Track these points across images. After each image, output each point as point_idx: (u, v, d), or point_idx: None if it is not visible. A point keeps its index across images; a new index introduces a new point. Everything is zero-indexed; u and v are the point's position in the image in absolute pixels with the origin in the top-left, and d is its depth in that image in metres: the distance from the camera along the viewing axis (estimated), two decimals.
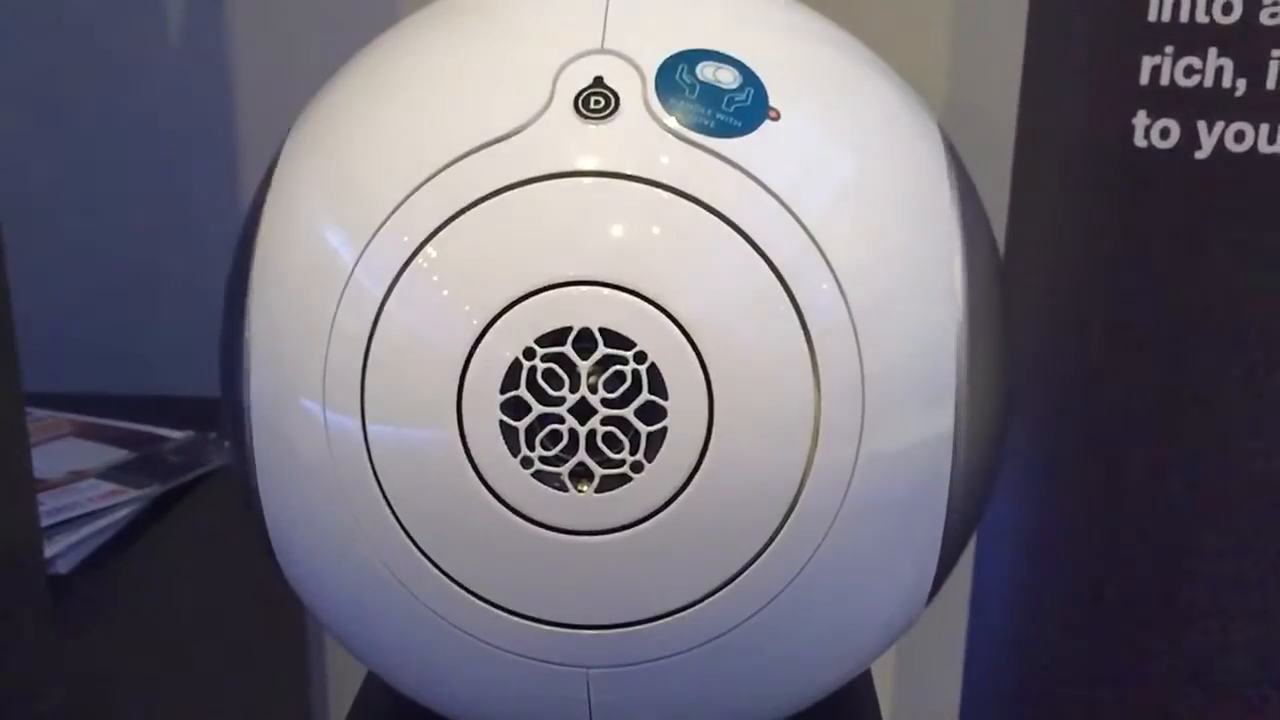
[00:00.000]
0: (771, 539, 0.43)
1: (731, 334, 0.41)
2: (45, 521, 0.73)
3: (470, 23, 0.49)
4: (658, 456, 0.41)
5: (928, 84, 0.93)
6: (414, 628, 0.46)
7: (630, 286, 0.41)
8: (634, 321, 0.41)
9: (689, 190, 0.42)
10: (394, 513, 0.43)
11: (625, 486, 0.41)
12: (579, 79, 0.44)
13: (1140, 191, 0.68)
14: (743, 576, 0.43)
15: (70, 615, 0.71)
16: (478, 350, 0.41)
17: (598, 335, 0.41)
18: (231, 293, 0.48)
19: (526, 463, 0.41)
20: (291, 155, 0.48)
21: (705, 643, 0.44)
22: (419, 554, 0.44)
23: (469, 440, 0.42)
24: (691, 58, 0.44)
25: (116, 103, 1.07)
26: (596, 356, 0.41)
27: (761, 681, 0.48)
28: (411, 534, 0.44)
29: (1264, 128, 0.64)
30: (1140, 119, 0.67)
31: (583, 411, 0.41)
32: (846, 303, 0.43)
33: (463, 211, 0.42)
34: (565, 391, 0.41)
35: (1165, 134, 0.66)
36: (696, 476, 0.41)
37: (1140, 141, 0.67)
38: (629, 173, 0.42)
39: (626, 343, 0.41)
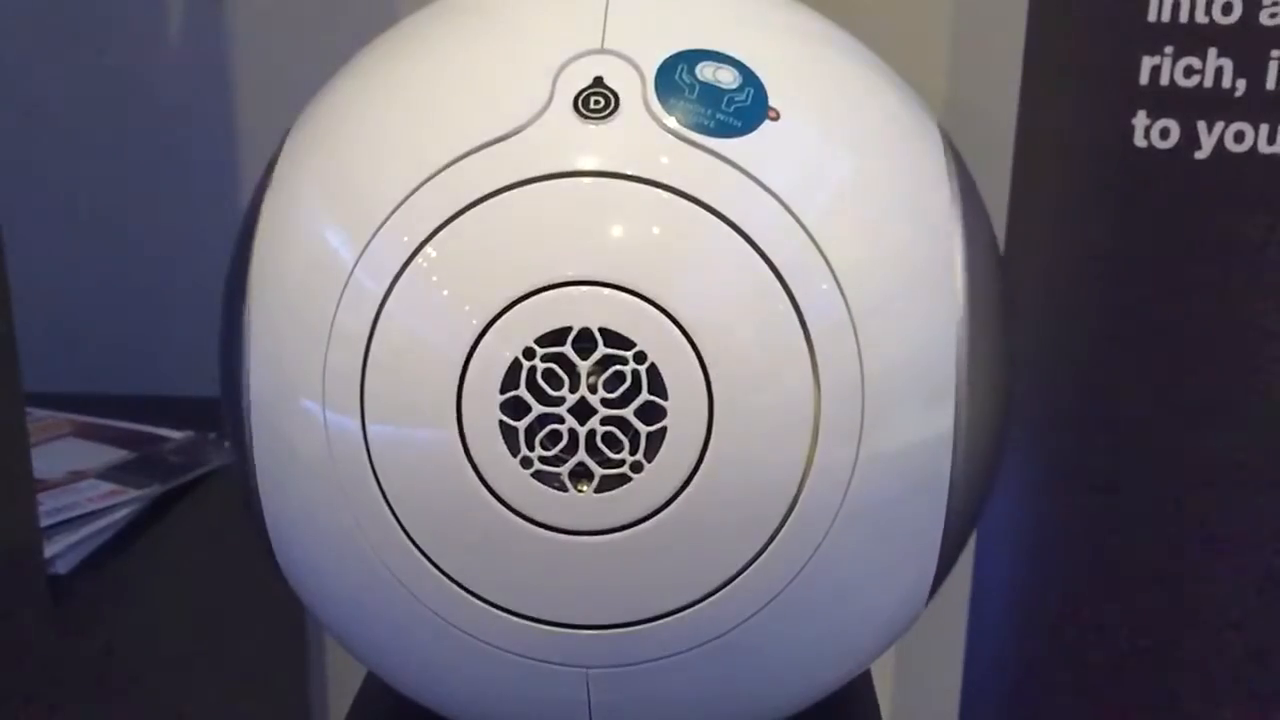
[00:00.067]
0: (771, 539, 0.43)
1: (731, 334, 0.41)
2: (45, 521, 0.73)
3: (470, 23, 0.49)
4: (657, 456, 0.41)
5: (928, 84, 0.93)
6: (414, 628, 0.46)
7: (630, 286, 0.41)
8: (634, 321, 0.41)
9: (689, 190, 0.42)
10: (394, 513, 0.43)
11: (625, 486, 0.41)
12: (579, 79, 0.44)
13: (1140, 191, 0.68)
14: (743, 576, 0.43)
15: (70, 615, 0.71)
16: (477, 350, 0.41)
17: (597, 335, 0.41)
18: (230, 292, 0.48)
19: (526, 463, 0.41)
20: (291, 155, 0.48)
21: (705, 643, 0.44)
22: (419, 554, 0.44)
23: (469, 440, 0.42)
24: (691, 58, 0.44)
25: (117, 102, 1.07)
26: (596, 356, 0.41)
27: (761, 681, 0.48)
28: (411, 534, 0.44)
29: (1264, 128, 0.64)
30: (1140, 119, 0.67)
31: (582, 411, 0.41)
32: (846, 302, 0.43)
33: (462, 211, 0.42)
34: (565, 391, 0.41)
35: (1165, 134, 0.66)
36: (696, 476, 0.41)
37: (1140, 141, 0.67)
38: (629, 173, 0.42)
39: (626, 343, 0.41)
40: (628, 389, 0.41)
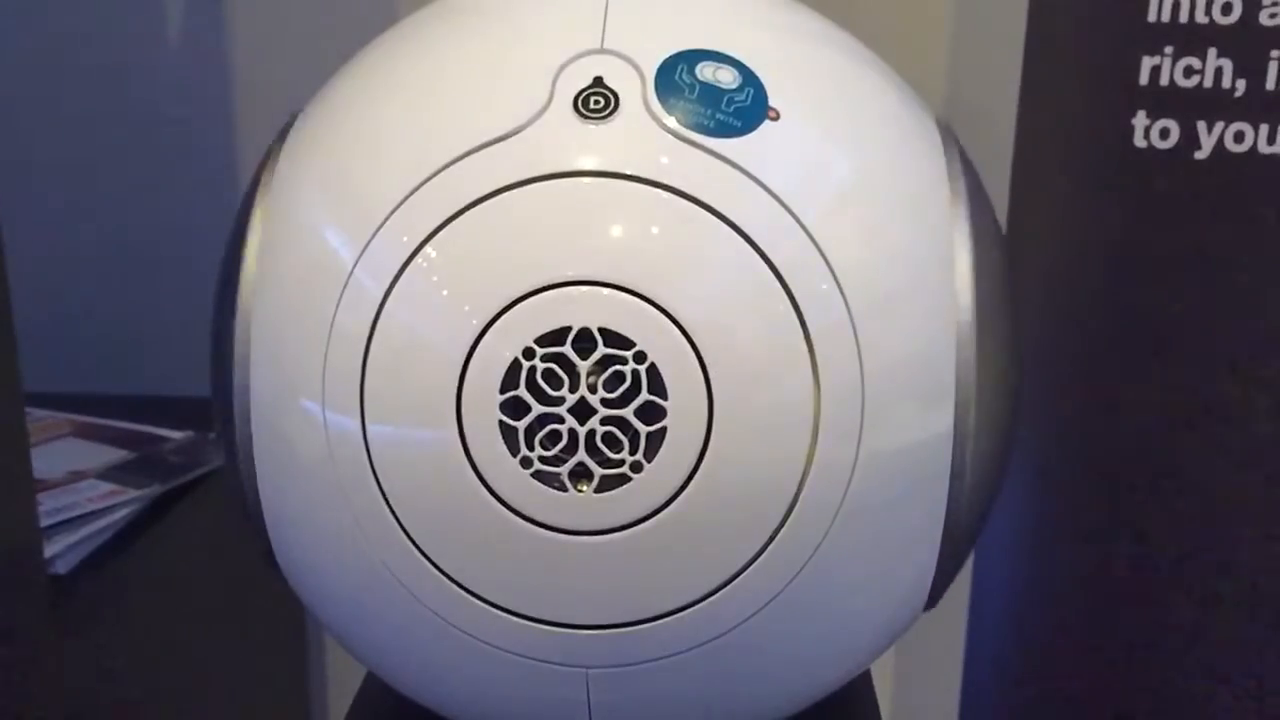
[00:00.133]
0: (771, 538, 0.43)
1: (731, 334, 0.41)
2: (45, 521, 0.73)
3: (470, 23, 0.49)
4: (657, 456, 0.41)
5: (928, 84, 0.94)
6: (414, 628, 0.46)
7: (630, 286, 0.41)
8: (633, 321, 0.41)
9: (689, 190, 0.42)
10: (393, 513, 0.43)
11: (625, 486, 0.41)
12: (579, 79, 0.44)
13: (1140, 191, 0.68)
14: (743, 576, 0.43)
15: (70, 615, 0.71)
16: (477, 350, 0.41)
17: (597, 335, 0.41)
18: (223, 293, 0.48)
19: (526, 463, 0.41)
20: (291, 155, 0.48)
21: (705, 643, 0.44)
22: (418, 554, 0.44)
23: (468, 440, 0.42)
24: (691, 58, 0.44)
25: (117, 103, 1.07)
26: (596, 356, 0.41)
27: (761, 681, 0.48)
28: (411, 534, 0.44)
29: (1264, 128, 0.64)
30: (1140, 119, 0.67)
31: (582, 411, 0.41)
32: (846, 302, 0.42)
33: (462, 211, 0.42)
34: (565, 391, 0.41)
35: (1165, 134, 0.66)
36: (696, 476, 0.41)
37: (1140, 141, 0.67)
38: (629, 173, 0.42)
39: (626, 343, 0.41)
40: (627, 389, 0.41)
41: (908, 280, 0.45)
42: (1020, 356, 0.50)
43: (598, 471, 0.41)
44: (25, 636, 0.67)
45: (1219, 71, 0.64)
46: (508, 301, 0.41)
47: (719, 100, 0.43)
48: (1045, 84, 0.76)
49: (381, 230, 0.43)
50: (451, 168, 0.43)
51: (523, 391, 0.41)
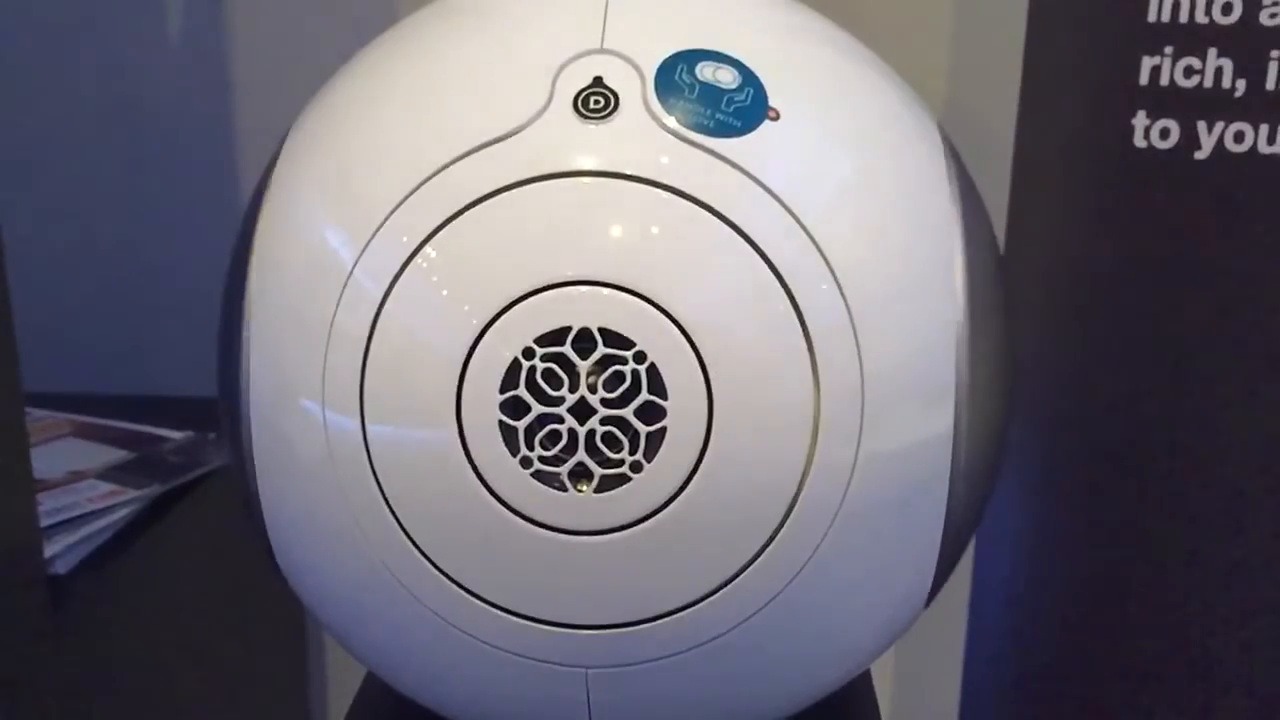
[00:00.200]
0: (771, 539, 0.43)
1: (731, 334, 0.41)
2: (45, 522, 0.73)
3: (470, 23, 0.49)
4: (657, 456, 0.41)
5: (928, 84, 0.93)
6: (414, 628, 0.46)
7: (630, 286, 0.41)
8: (633, 321, 0.41)
9: (688, 190, 0.42)
10: (393, 513, 0.43)
11: (625, 486, 0.41)
12: (578, 79, 0.44)
13: (1140, 191, 0.68)
14: (742, 576, 0.43)
15: (70, 615, 0.71)
16: (477, 350, 0.41)
17: (597, 335, 0.41)
18: (229, 292, 0.48)
19: (526, 462, 0.41)
20: (291, 155, 0.48)
21: (705, 643, 0.44)
22: (418, 554, 0.44)
23: (468, 440, 0.42)
24: (691, 58, 0.44)
25: (116, 102, 1.07)
26: (596, 356, 0.41)
27: (761, 681, 0.48)
28: (411, 534, 0.44)
29: (1264, 128, 0.64)
30: (1140, 119, 0.67)
31: (582, 411, 0.41)
32: (846, 302, 0.42)
33: (462, 211, 0.42)
34: (565, 391, 0.41)
35: (1165, 134, 0.66)
36: (696, 476, 0.41)
37: (1140, 141, 0.67)
38: (628, 173, 0.42)
39: (626, 342, 0.41)
40: (627, 389, 0.41)
41: (908, 280, 0.45)
42: (1015, 356, 0.50)
43: (598, 471, 0.41)
44: (25, 636, 0.67)
45: (1219, 71, 0.64)
46: (507, 301, 0.41)
47: (719, 100, 0.43)
48: (1045, 84, 0.76)
49: (381, 230, 0.43)
50: (451, 168, 0.43)
51: (522, 391, 0.41)
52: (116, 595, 0.76)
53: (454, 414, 0.42)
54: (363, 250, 0.43)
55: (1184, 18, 0.64)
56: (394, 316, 0.43)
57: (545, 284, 0.41)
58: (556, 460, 0.41)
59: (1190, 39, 0.64)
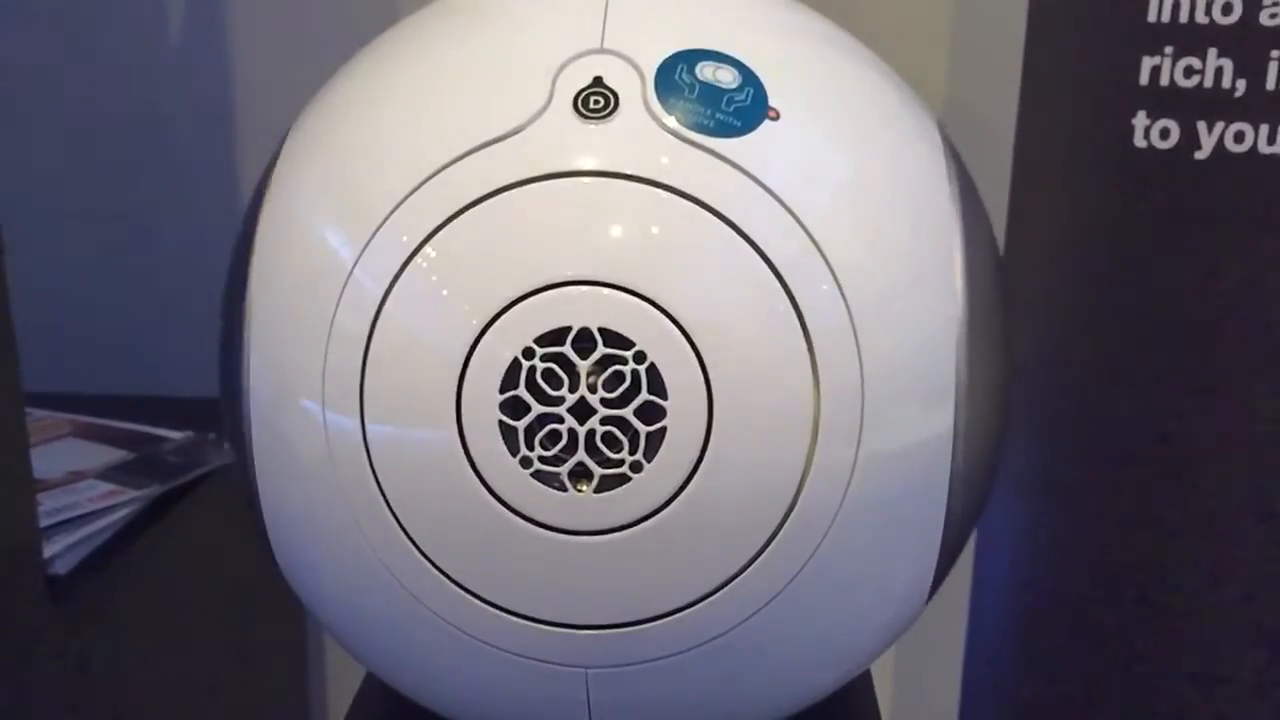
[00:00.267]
0: (771, 539, 0.43)
1: (731, 334, 0.41)
2: (44, 522, 0.73)
3: (470, 23, 0.49)
4: (657, 456, 0.41)
5: (928, 84, 0.94)
6: (413, 628, 0.46)
7: (629, 286, 0.41)
8: (633, 321, 0.41)
9: (688, 190, 0.42)
10: (393, 513, 0.43)
11: (624, 486, 0.41)
12: (578, 79, 0.44)
13: (1140, 191, 0.68)
14: (742, 576, 0.43)
15: (70, 615, 0.71)
16: (477, 350, 0.41)
17: (597, 335, 0.41)
18: (230, 292, 0.48)
19: (526, 462, 0.41)
20: (291, 155, 0.48)
21: (705, 643, 0.44)
22: (418, 554, 0.44)
23: (468, 440, 0.42)
24: (691, 57, 0.44)
25: (116, 103, 1.07)
26: (596, 356, 0.41)
27: (761, 682, 0.48)
28: (411, 534, 0.43)
29: (1264, 128, 0.64)
30: (1140, 119, 0.67)
31: (582, 411, 0.41)
32: (846, 302, 0.42)
33: (462, 211, 0.42)
34: (564, 391, 0.41)
35: (1165, 134, 0.66)
36: (696, 476, 0.41)
37: (1140, 141, 0.67)
38: (628, 173, 0.42)
39: (626, 342, 0.41)
40: (627, 389, 0.41)
41: (907, 280, 0.45)
42: (1013, 356, 0.50)
43: (597, 471, 0.41)
44: (25, 636, 0.67)
45: (1219, 71, 0.64)
46: (507, 301, 0.41)
47: (719, 100, 0.43)
48: (1045, 84, 0.76)
49: (381, 230, 0.43)
50: (451, 168, 0.43)
51: (522, 391, 0.41)
52: (116, 595, 0.76)
53: (454, 414, 0.42)
54: (363, 250, 0.43)
55: (1184, 18, 0.64)
56: (394, 316, 0.43)
57: (545, 284, 0.41)
58: (556, 460, 0.41)
59: (1190, 39, 0.64)
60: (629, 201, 0.42)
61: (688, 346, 0.41)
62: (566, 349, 0.41)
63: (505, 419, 0.41)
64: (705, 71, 0.44)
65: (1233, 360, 0.67)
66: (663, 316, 0.41)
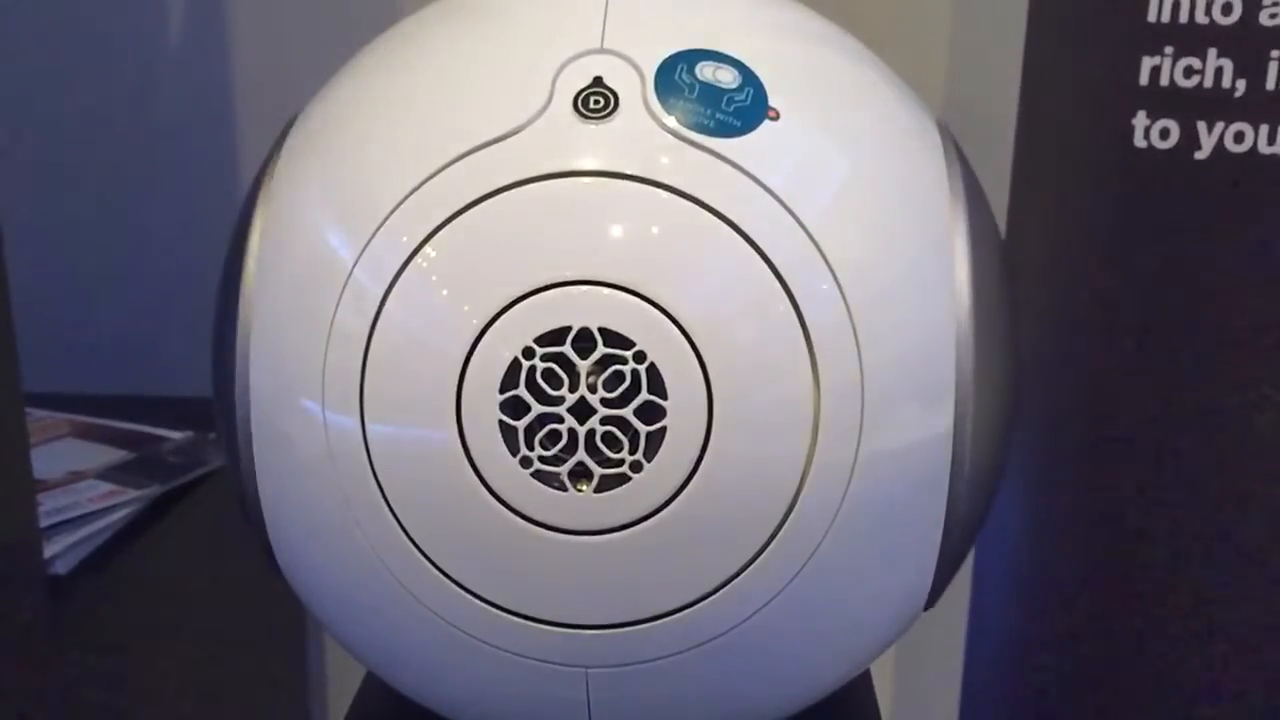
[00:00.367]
0: (771, 538, 0.43)
1: (731, 333, 0.41)
2: (44, 522, 0.73)
3: (470, 22, 0.49)
4: (657, 456, 0.41)
5: (928, 84, 0.94)
6: (413, 628, 0.46)
7: (629, 286, 0.41)
8: (633, 321, 0.41)
9: (688, 190, 0.42)
10: (393, 513, 0.43)
11: (624, 486, 0.41)
12: (578, 79, 0.44)
13: (1140, 191, 0.68)
14: (742, 576, 0.43)
15: (70, 615, 0.71)
16: (477, 350, 0.41)
17: (597, 335, 0.41)
18: (225, 292, 0.48)
19: (526, 462, 0.41)
20: (291, 154, 0.48)
21: (705, 643, 0.44)
22: (418, 554, 0.44)
23: (468, 440, 0.42)
24: (691, 57, 0.44)
25: (116, 102, 1.07)
26: (596, 356, 0.41)
27: (761, 681, 0.48)
28: (411, 534, 0.44)
29: (1264, 128, 0.64)
30: (1140, 119, 0.67)
31: (582, 411, 0.41)
32: (845, 302, 0.42)
33: (462, 211, 0.42)
34: (565, 391, 0.41)
35: (1165, 134, 0.66)
36: (696, 476, 0.41)
37: (1140, 142, 0.67)
38: (628, 172, 0.42)
39: (626, 342, 0.41)
40: (627, 389, 0.41)
41: (907, 279, 0.45)
42: (1017, 355, 0.50)
43: (597, 471, 0.41)
44: (25, 636, 0.67)
45: (1219, 71, 0.64)
46: (507, 301, 0.41)
47: (719, 100, 0.43)
48: (1045, 84, 0.76)
49: (381, 230, 0.43)
50: (451, 167, 0.43)
51: (522, 391, 0.41)
52: (116, 595, 0.76)
53: (454, 414, 0.42)
54: (363, 249, 0.43)
55: (1184, 18, 0.64)
56: (394, 316, 0.43)
57: (545, 284, 0.41)
58: (556, 460, 0.41)
59: (1190, 39, 0.64)
60: (629, 201, 0.42)
61: (688, 346, 0.41)
62: (566, 349, 0.41)
63: (505, 419, 0.41)
64: (705, 71, 0.44)
65: (1234, 360, 0.67)
66: (663, 316, 0.41)
